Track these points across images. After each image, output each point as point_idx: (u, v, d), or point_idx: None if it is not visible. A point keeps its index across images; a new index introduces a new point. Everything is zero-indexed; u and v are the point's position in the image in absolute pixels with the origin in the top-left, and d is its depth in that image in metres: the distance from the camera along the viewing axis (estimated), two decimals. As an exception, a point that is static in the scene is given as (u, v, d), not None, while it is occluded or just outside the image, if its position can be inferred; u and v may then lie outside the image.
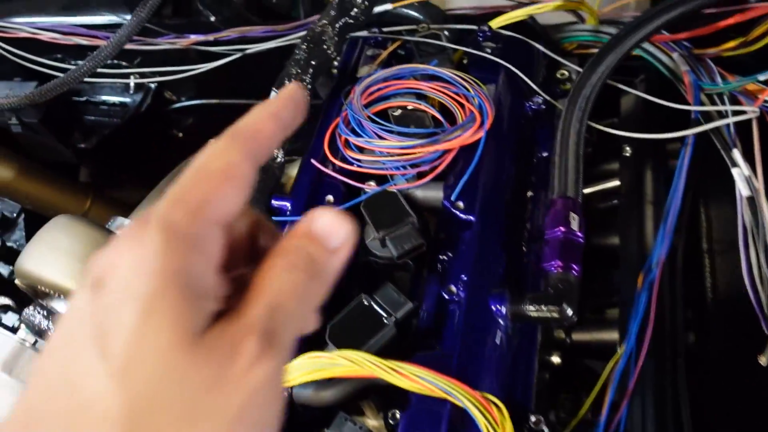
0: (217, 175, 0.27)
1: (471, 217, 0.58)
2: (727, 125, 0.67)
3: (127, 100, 0.99)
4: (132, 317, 0.24)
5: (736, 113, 0.64)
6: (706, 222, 0.65)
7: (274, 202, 0.63)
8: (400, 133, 0.62)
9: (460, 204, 0.59)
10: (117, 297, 0.25)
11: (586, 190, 0.74)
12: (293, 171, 0.89)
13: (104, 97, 0.99)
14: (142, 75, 0.97)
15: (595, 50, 0.81)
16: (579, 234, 0.54)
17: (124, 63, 0.97)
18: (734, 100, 0.68)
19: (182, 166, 0.89)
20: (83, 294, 0.26)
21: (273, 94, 0.66)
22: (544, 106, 0.65)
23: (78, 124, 0.98)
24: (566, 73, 0.74)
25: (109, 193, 1.06)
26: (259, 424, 0.26)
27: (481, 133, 0.61)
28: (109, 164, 1.03)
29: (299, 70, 0.66)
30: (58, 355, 0.26)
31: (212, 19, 0.89)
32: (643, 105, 0.73)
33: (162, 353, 0.24)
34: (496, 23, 0.73)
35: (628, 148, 0.70)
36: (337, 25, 0.68)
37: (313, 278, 0.28)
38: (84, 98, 0.99)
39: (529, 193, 0.64)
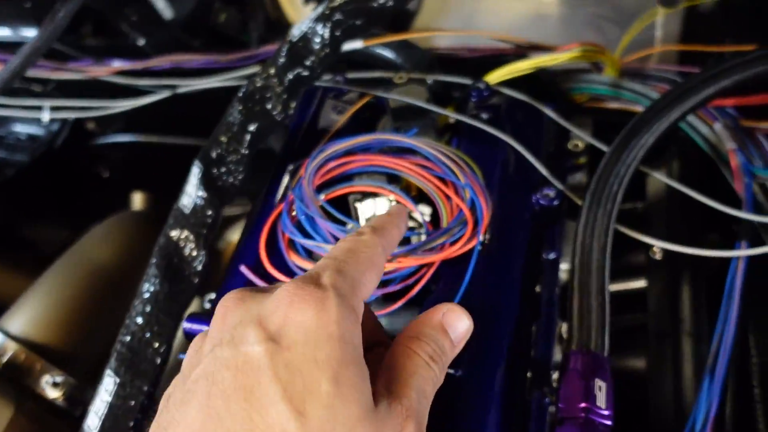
0: (366, 261, 0.32)
1: (458, 372, 0.42)
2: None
3: (40, 132, 0.81)
4: (325, 385, 0.27)
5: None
6: (758, 359, 0.50)
7: (187, 325, 0.46)
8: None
9: (441, 348, 0.43)
10: (303, 358, 0.28)
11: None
12: (236, 236, 0.72)
13: (10, 130, 0.81)
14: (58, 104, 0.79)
15: (612, 105, 0.66)
16: (607, 413, 0.38)
17: (35, 89, 0.79)
18: (796, 195, 0.53)
19: (102, 227, 0.71)
20: (258, 346, 0.28)
21: (195, 170, 0.49)
22: (557, 203, 0.49)
23: (-25, 161, 0.80)
24: (580, 145, 0.58)
25: (18, 235, 0.89)
26: None
27: (473, 243, 0.45)
28: (18, 206, 0.85)
29: (229, 137, 0.49)
30: (239, 402, 0.27)
31: (141, 42, 0.72)
32: (677, 192, 0.57)
33: (351, 423, 0.28)
34: (494, 77, 0.57)
35: (657, 249, 0.54)
36: (286, 79, 0.51)
37: (442, 371, 0.34)
38: (-16, 129, 0.81)
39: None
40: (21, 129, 0.82)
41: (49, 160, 0.81)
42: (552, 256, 0.52)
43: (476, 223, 0.46)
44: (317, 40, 0.51)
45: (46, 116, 0.79)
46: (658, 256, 0.54)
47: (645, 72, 0.65)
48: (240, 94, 0.50)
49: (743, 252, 0.50)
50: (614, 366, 0.54)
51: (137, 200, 0.80)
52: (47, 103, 0.78)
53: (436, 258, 0.45)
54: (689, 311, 0.50)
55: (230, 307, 0.31)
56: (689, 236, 0.55)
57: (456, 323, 0.35)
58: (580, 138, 0.58)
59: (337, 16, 0.50)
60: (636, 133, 0.50)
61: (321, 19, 0.50)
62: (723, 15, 0.67)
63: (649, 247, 0.55)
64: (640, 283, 0.55)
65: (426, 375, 0.33)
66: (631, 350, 0.54)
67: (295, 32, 0.51)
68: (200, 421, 0.28)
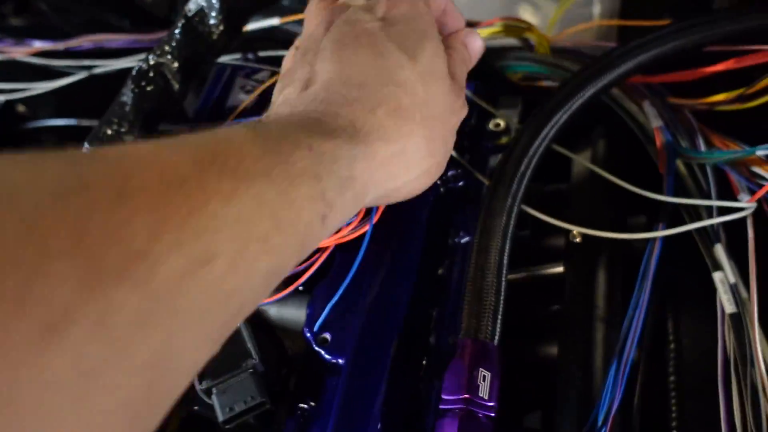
0: None
1: (340, 360, 0.40)
2: (709, 208, 0.50)
3: (-33, 117, 0.78)
4: (427, 43, 0.39)
5: (724, 210, 0.46)
6: (675, 346, 0.48)
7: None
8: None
9: (326, 337, 0.41)
10: (408, 28, 0.40)
11: (517, 275, 0.57)
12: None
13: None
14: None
15: (545, 83, 0.64)
16: (489, 404, 0.36)
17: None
18: (720, 175, 0.51)
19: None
20: (373, 23, 0.39)
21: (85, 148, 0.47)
22: (461, 183, 0.47)
23: None
24: (501, 123, 0.55)
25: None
26: (453, 139, 0.43)
27: (366, 228, 0.43)
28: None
29: (121, 117, 0.47)
30: (365, 54, 0.38)
31: (60, 22, 0.69)
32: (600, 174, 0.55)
33: (442, 75, 0.40)
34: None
35: (577, 233, 0.52)
36: (182, 56, 0.48)
37: (466, 73, 0.45)
38: None
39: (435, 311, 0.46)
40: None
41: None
42: (465, 239, 0.50)
43: (370, 210, 0.44)
44: (213, 14, 0.48)
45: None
46: (577, 240, 0.52)
47: (578, 49, 0.63)
48: (133, 73, 0.48)
49: (658, 233, 0.48)
50: (530, 354, 0.53)
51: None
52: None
53: (326, 242, 0.43)
54: (603, 297, 0.48)
55: (336, 8, 0.42)
56: (612, 219, 0.53)
57: (473, 42, 0.46)
58: (502, 116, 0.55)
59: (233, -10, 0.48)
60: (548, 112, 0.48)
61: (217, -8, 0.48)
62: (661, -10, 0.65)
63: (570, 230, 0.53)
64: (559, 268, 0.53)
65: (462, 70, 0.44)
66: (549, 338, 0.52)
67: (191, 6, 0.49)
68: (337, 68, 0.37)
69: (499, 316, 0.40)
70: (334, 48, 0.38)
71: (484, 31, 0.56)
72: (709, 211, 0.49)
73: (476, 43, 0.46)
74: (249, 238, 0.25)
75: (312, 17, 0.43)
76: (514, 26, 0.57)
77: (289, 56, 0.45)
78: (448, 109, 0.40)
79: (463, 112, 0.43)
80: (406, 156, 0.37)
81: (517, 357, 0.52)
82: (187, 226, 0.23)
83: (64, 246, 0.19)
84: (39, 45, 0.70)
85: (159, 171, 0.23)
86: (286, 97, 0.38)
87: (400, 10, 0.40)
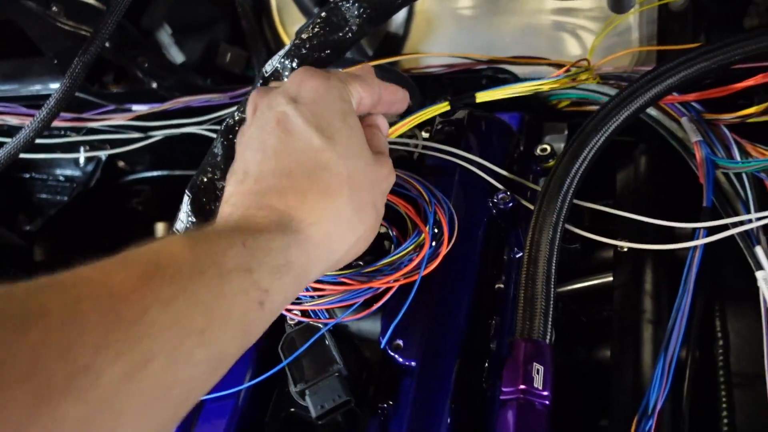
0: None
1: (412, 363, 0.46)
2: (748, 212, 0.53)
3: (77, 174, 0.89)
4: (344, 126, 0.42)
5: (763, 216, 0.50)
6: (722, 343, 0.51)
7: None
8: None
9: (399, 343, 0.47)
10: (321, 108, 0.42)
11: (570, 287, 0.61)
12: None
13: (52, 172, 0.90)
14: (92, 146, 0.88)
15: (589, 108, 0.69)
16: (543, 393, 0.42)
17: (71, 133, 0.88)
18: (757, 183, 0.55)
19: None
20: (286, 106, 0.41)
21: (186, 198, 0.55)
22: (511, 204, 0.53)
23: (23, 203, 0.89)
24: (548, 148, 0.61)
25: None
26: (384, 201, 0.45)
27: (415, 277, 0.48)
28: (64, 242, 0.94)
29: (214, 167, 0.55)
30: (285, 139, 0.41)
31: (154, 86, 0.79)
32: (644, 185, 0.60)
33: (359, 150, 0.43)
34: (486, 96, 0.59)
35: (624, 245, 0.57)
36: (262, 110, 0.56)
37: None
38: (29, 174, 0.90)
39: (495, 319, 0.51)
40: (58, 171, 0.91)
41: (84, 199, 0.90)
42: (519, 254, 0.55)
43: (439, 238, 0.49)
44: (287, 74, 0.56)
45: (82, 156, 0.88)
46: (625, 249, 0.57)
47: (621, 75, 0.68)
48: (222, 128, 0.56)
49: (699, 242, 0.52)
50: (586, 359, 0.57)
51: (160, 229, 0.87)
52: (81, 151, 0.87)
53: (391, 283, 0.48)
54: (651, 301, 0.53)
55: (260, 92, 0.45)
56: (655, 228, 0.57)
57: (384, 126, 0.49)
58: (548, 143, 0.61)
59: (304, 50, 0.56)
60: (585, 135, 0.53)
61: (289, 54, 0.56)
62: (694, 14, 0.69)
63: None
64: (606, 279, 0.58)
65: (382, 141, 0.47)
66: (603, 343, 0.56)
67: (268, 68, 0.57)
68: (260, 156, 0.41)
69: (550, 318, 0.45)
70: (258, 136, 0.41)
71: (554, 83, 0.61)
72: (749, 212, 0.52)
73: (386, 126, 0.49)
74: (185, 334, 0.29)
75: (248, 104, 0.46)
76: (578, 69, 0.62)
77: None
78: (372, 180, 0.43)
79: (391, 177, 0.45)
80: (340, 230, 0.40)
81: (575, 360, 0.57)
82: (128, 336, 0.27)
83: (21, 374, 0.23)
84: (137, 110, 0.80)
85: (107, 291, 0.28)
86: (228, 194, 0.41)
87: (308, 86, 0.42)
